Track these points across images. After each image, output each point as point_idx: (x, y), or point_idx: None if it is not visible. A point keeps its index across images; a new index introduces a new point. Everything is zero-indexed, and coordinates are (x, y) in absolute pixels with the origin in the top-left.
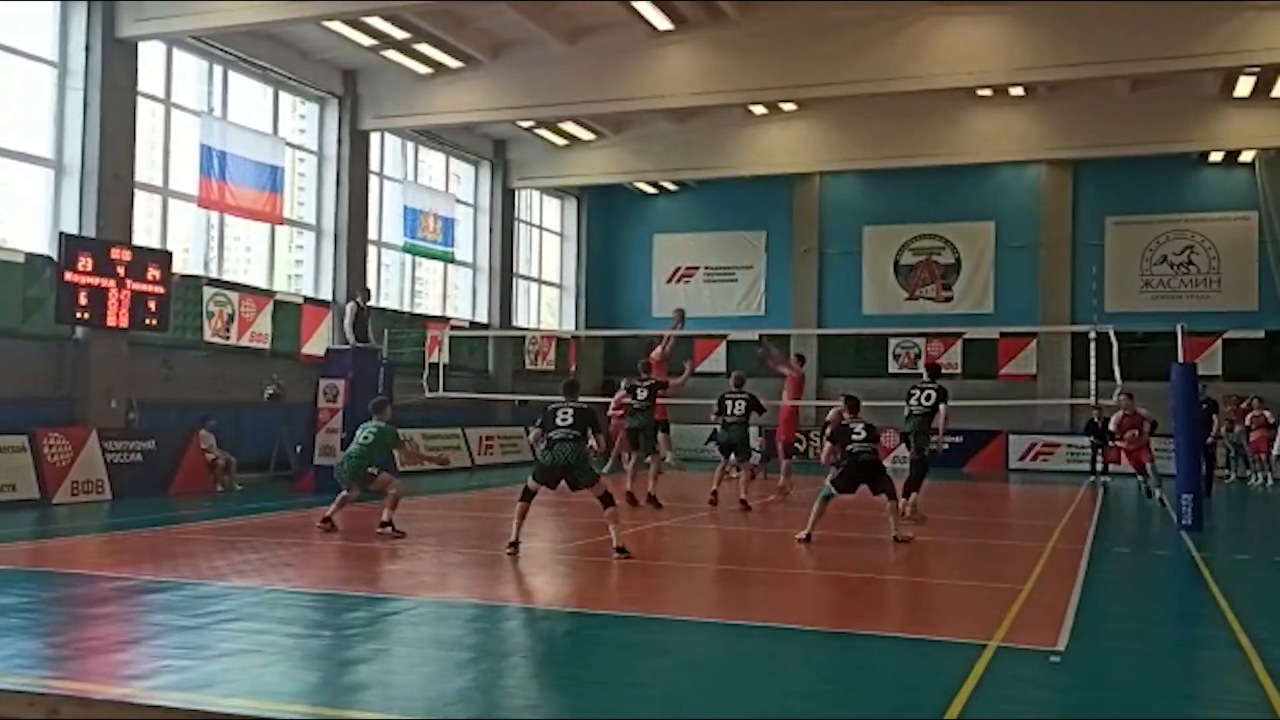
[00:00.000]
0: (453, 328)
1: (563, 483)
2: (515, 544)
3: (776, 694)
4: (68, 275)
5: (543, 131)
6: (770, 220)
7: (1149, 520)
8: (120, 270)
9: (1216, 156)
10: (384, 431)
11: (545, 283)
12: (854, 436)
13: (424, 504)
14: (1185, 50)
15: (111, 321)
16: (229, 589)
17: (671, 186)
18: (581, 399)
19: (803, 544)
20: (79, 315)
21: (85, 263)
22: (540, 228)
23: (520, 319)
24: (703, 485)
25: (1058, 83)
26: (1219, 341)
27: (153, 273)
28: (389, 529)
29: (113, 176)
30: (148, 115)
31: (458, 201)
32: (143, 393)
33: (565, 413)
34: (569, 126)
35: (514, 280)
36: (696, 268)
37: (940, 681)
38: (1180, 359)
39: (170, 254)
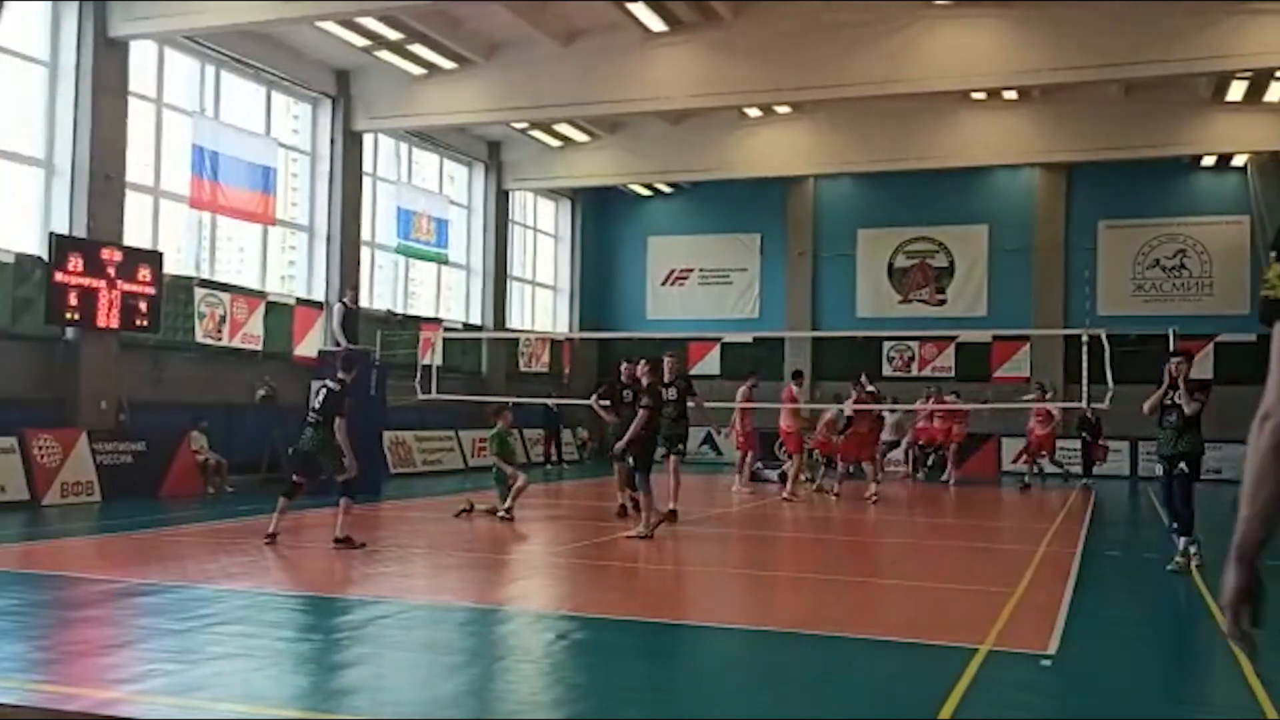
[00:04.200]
0: (446, 329)
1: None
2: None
3: (769, 697)
4: (58, 275)
5: (537, 133)
6: (765, 223)
7: (1141, 524)
8: (111, 271)
9: (1209, 161)
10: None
11: (539, 285)
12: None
13: (417, 506)
14: (1178, 54)
15: (102, 322)
16: (219, 592)
17: (666, 188)
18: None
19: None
20: (69, 316)
21: (76, 263)
22: (534, 229)
23: (514, 321)
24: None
25: (1051, 86)
26: (1211, 345)
27: (144, 273)
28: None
29: (104, 176)
30: (139, 115)
31: (451, 203)
32: (133, 394)
33: (318, 392)
34: (563, 128)
35: (508, 282)
36: (691, 270)
37: (932, 685)
38: None
39: (161, 254)
